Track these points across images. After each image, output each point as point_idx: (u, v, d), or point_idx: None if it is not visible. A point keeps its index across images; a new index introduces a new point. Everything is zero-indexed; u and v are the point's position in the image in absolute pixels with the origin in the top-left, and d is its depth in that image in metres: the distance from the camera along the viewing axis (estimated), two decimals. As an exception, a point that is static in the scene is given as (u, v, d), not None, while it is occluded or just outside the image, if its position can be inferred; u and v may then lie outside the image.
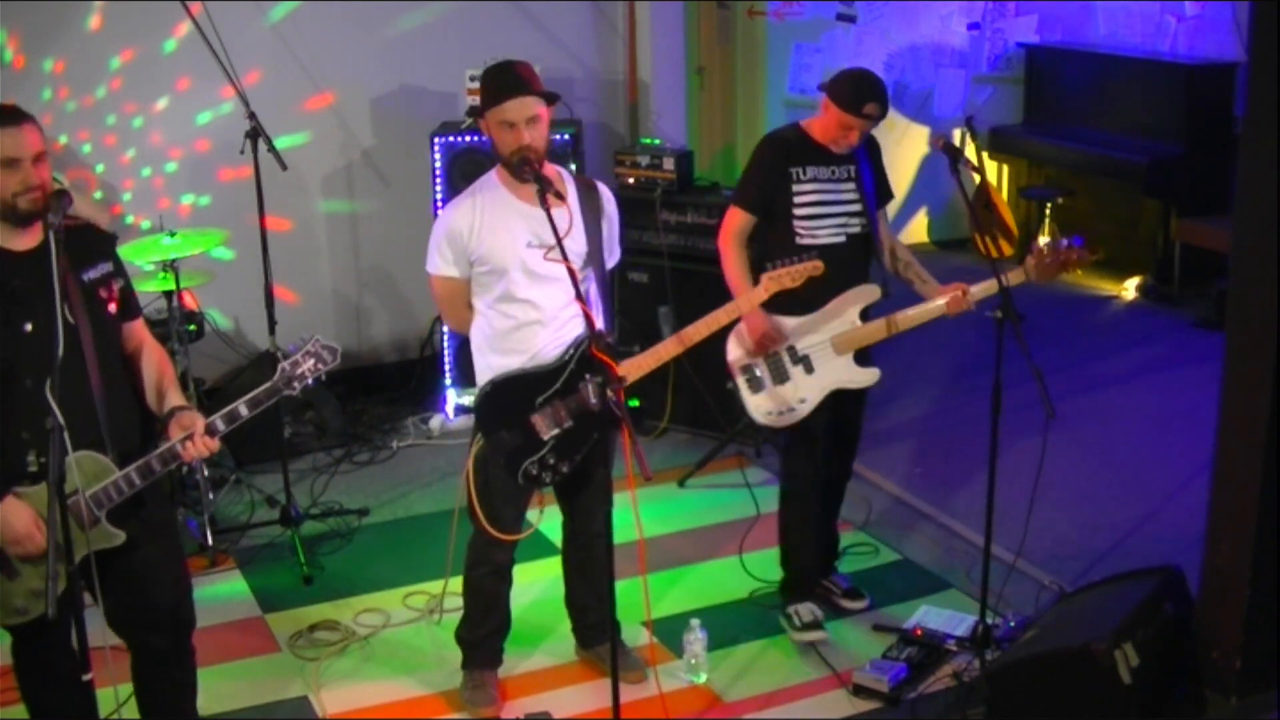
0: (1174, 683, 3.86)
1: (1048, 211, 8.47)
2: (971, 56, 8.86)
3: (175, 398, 3.49)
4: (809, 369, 4.33)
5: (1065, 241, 4.22)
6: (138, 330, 3.58)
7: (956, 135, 8.32)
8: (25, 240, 3.32)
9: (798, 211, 4.28)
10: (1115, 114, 8.30)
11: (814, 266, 3.99)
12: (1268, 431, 3.69)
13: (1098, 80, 8.43)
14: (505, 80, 3.73)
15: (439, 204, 6.06)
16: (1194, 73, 7.84)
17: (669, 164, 6.03)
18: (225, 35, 5.10)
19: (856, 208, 4.33)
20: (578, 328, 3.84)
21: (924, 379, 6.61)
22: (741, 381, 4.38)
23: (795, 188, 4.28)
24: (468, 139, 6.03)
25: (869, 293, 4.33)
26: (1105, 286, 8.12)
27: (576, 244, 3.80)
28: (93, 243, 3.47)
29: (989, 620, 4.17)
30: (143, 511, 3.42)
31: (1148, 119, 8.07)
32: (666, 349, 4.01)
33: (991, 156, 8.88)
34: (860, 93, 4.16)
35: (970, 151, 8.01)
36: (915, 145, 8.84)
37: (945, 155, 4.25)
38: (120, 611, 3.46)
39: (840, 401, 4.39)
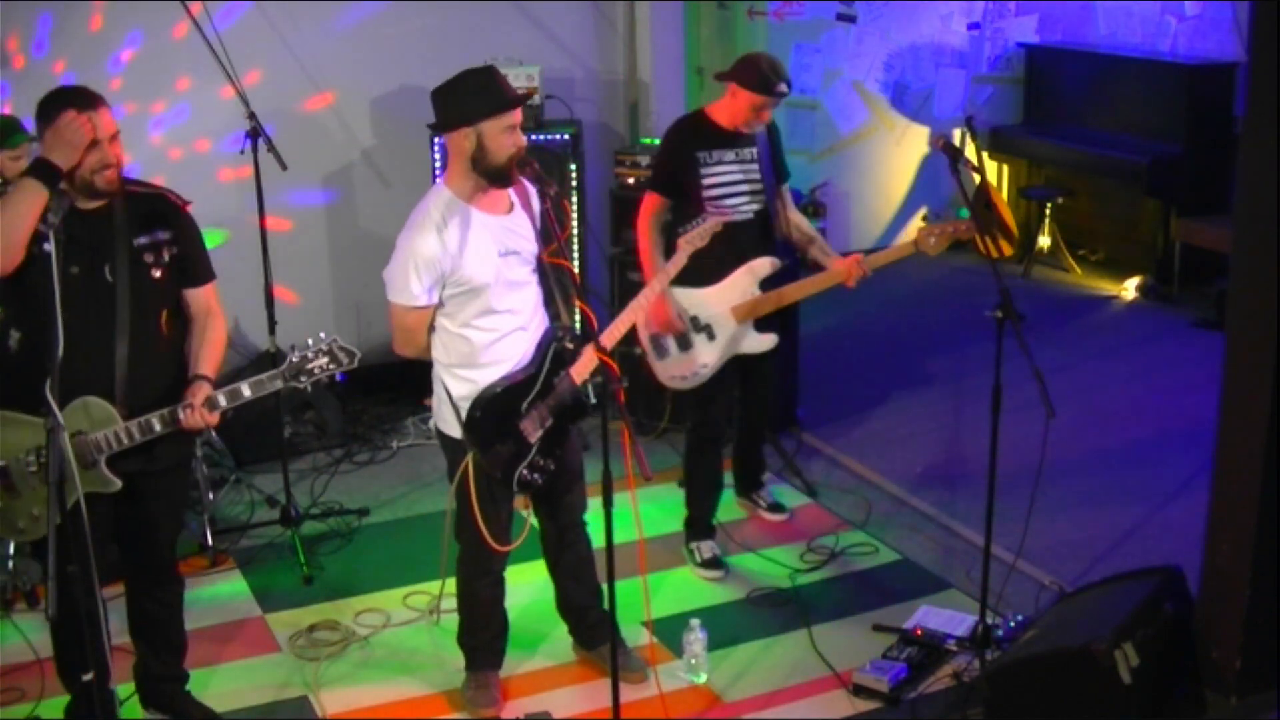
0: (1174, 683, 3.86)
1: (1048, 211, 8.48)
2: (971, 56, 8.86)
3: (203, 367, 3.67)
4: (710, 336, 4.69)
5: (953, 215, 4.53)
6: (200, 296, 3.77)
7: (956, 135, 8.31)
8: (93, 201, 3.55)
9: (708, 193, 4.63)
10: (1115, 114, 8.30)
11: (714, 224, 4.31)
12: (1268, 431, 3.69)
13: (1098, 80, 8.44)
14: (502, 87, 3.71)
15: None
16: (1194, 73, 7.84)
17: (669, 164, 6.02)
18: (225, 35, 5.10)
19: (759, 186, 4.72)
20: (544, 325, 3.93)
21: (924, 379, 6.62)
22: (649, 349, 4.75)
23: (703, 170, 4.64)
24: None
25: (767, 265, 4.68)
26: (1105, 286, 8.12)
27: (529, 242, 3.82)
28: (156, 210, 3.66)
29: (989, 620, 4.18)
30: (155, 465, 3.64)
31: (1148, 119, 8.07)
32: (640, 303, 4.18)
33: (991, 156, 8.89)
34: (770, 75, 4.53)
35: (970, 151, 7.99)
36: (915, 145, 8.84)
37: (945, 155, 4.29)
38: (124, 536, 3.75)
39: (745, 364, 4.81)
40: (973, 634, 4.24)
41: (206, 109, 6.07)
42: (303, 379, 3.59)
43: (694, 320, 4.70)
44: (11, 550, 4.63)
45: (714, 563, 4.89)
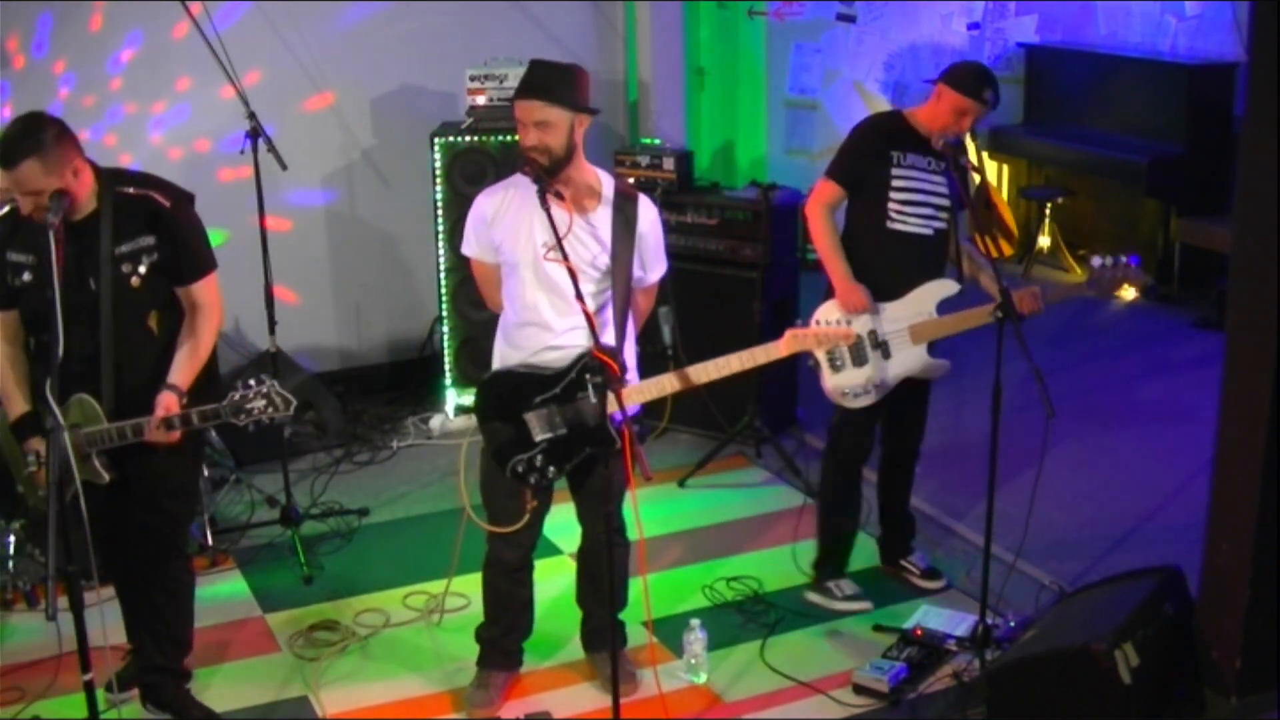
0: (1174, 683, 3.86)
1: (1048, 211, 8.48)
2: (971, 56, 8.84)
3: (173, 374, 3.69)
4: (886, 354, 4.43)
5: (1123, 259, 4.30)
6: (188, 294, 3.79)
7: (956, 135, 8.29)
8: (72, 214, 3.60)
9: (894, 195, 4.39)
10: (1115, 114, 8.29)
11: (846, 334, 4.10)
12: (1268, 431, 3.69)
13: (1098, 80, 8.43)
14: (526, 79, 3.76)
15: (439, 204, 6.06)
16: (1194, 73, 7.83)
17: (669, 164, 6.03)
18: (225, 35, 5.10)
19: (945, 203, 4.45)
20: (583, 340, 3.78)
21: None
22: (824, 360, 4.46)
23: (894, 170, 4.40)
24: (467, 139, 6.03)
25: (947, 286, 4.43)
26: (1105, 286, 8.11)
27: (592, 253, 3.76)
28: (140, 215, 3.68)
29: (989, 620, 4.17)
30: (155, 447, 3.68)
31: (1148, 119, 8.06)
32: (670, 383, 3.88)
33: (991, 156, 8.88)
34: (981, 79, 4.35)
35: (970, 151, 8.01)
36: (915, 145, 8.82)
37: (945, 155, 4.27)
38: (129, 525, 3.81)
39: (904, 392, 4.52)
40: (973, 634, 4.24)
41: (206, 109, 6.07)
42: (242, 417, 3.59)
43: (871, 335, 4.40)
44: (11, 550, 4.63)
45: (858, 595, 4.67)
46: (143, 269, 3.65)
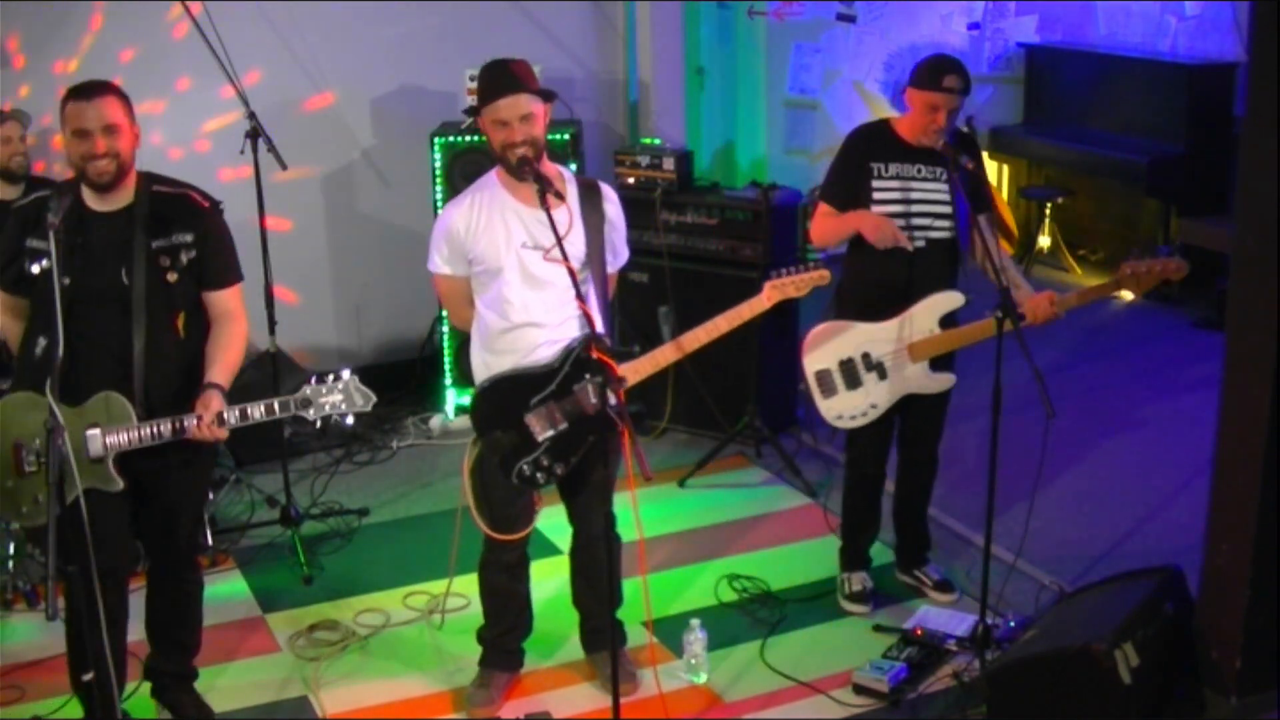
0: (1174, 683, 3.86)
1: (1048, 211, 8.48)
2: (971, 56, 8.85)
3: (215, 374, 3.63)
4: (882, 375, 4.35)
5: (1163, 250, 4.22)
6: (218, 300, 3.74)
7: (956, 135, 8.29)
8: (107, 202, 3.58)
9: (876, 209, 4.26)
10: (1115, 114, 8.30)
11: (820, 276, 3.94)
12: (1268, 431, 3.69)
13: (1098, 80, 8.44)
14: (497, 79, 3.73)
15: (439, 204, 6.06)
16: (1194, 73, 7.84)
17: (669, 164, 6.03)
18: (225, 35, 5.10)
19: (945, 209, 4.29)
20: (573, 330, 3.81)
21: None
22: (815, 386, 4.40)
23: (875, 183, 4.27)
24: (468, 139, 6.03)
25: (950, 300, 4.30)
26: (1105, 286, 8.11)
27: (574, 246, 3.77)
28: (177, 212, 3.66)
29: (989, 620, 4.18)
30: (171, 459, 3.63)
31: (1148, 119, 8.07)
32: (665, 354, 3.96)
33: (991, 156, 8.88)
34: (939, 69, 4.17)
35: (970, 151, 7.99)
36: (915, 145, 8.82)
37: (945, 155, 4.26)
38: (143, 529, 3.79)
39: (915, 399, 4.44)
40: (973, 634, 4.24)
41: (206, 109, 6.07)
42: (312, 412, 3.55)
43: (865, 357, 4.32)
44: (11, 550, 4.64)
45: (861, 596, 4.60)
46: (179, 266, 3.61)
